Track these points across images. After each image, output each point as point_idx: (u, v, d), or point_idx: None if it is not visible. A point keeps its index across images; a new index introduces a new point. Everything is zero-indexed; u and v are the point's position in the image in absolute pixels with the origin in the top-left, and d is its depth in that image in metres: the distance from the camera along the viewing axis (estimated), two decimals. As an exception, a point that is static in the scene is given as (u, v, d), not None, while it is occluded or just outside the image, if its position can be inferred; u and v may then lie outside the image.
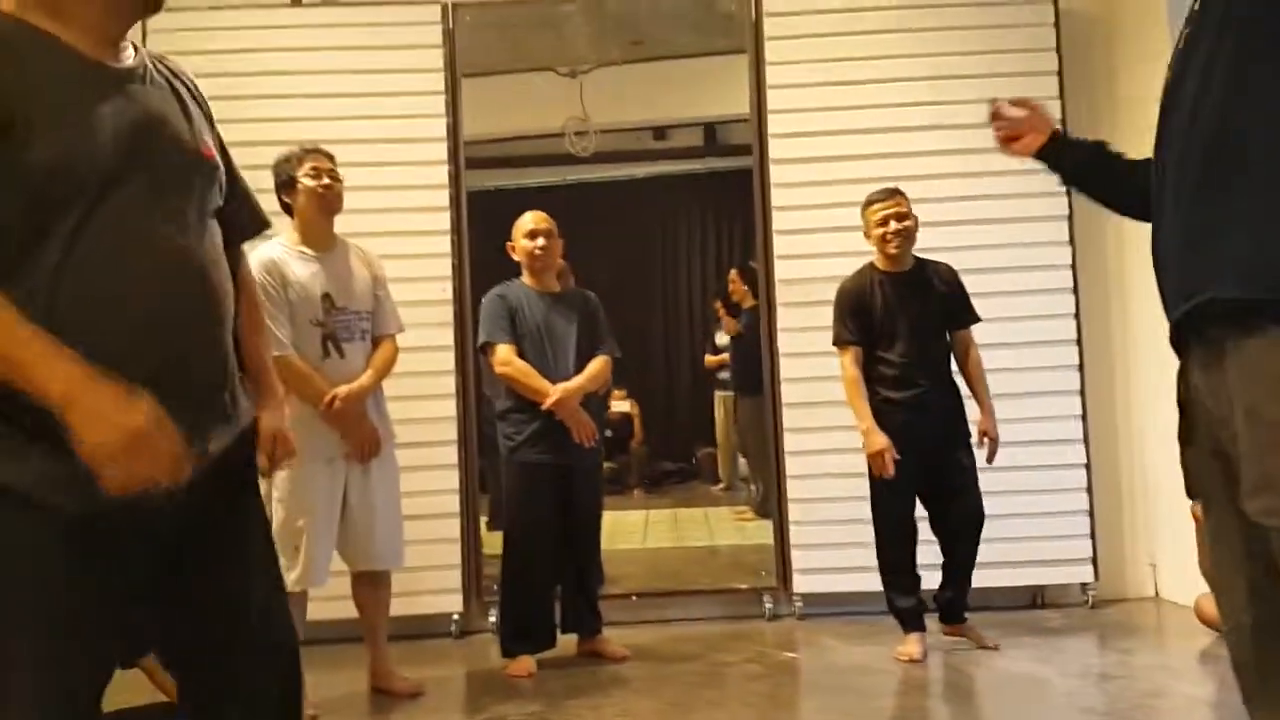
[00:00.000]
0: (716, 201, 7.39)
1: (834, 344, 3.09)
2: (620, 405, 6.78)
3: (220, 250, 1.37)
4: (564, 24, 4.28)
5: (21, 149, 1.15)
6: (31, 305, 1.16)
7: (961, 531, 3.03)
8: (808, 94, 3.67)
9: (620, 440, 6.64)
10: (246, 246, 1.56)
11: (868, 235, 3.09)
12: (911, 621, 3.04)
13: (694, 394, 6.74)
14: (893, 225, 3.00)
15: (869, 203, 3.09)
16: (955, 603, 3.10)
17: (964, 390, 3.11)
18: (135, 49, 1.32)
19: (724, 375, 5.84)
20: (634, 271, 7.47)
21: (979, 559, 3.07)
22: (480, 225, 3.75)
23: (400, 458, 2.92)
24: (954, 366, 3.10)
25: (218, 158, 1.38)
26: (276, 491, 2.56)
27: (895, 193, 3.06)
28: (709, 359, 6.04)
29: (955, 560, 3.05)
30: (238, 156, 2.90)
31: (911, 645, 3.00)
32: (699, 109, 6.01)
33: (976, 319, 3.11)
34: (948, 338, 3.09)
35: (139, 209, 1.22)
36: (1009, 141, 1.57)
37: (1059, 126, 1.59)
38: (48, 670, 1.18)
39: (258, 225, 1.56)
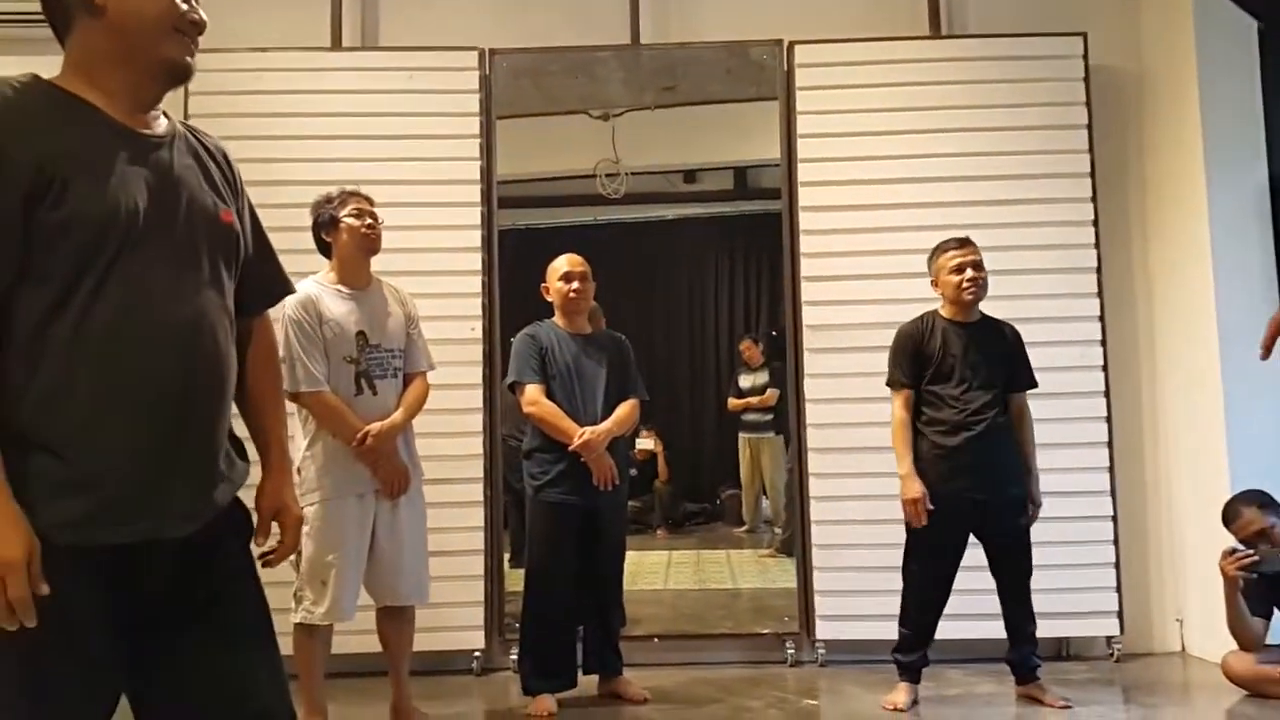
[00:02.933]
0: (745, 244, 7.44)
1: (887, 384, 3.07)
2: (645, 443, 6.79)
3: (231, 315, 1.40)
4: (598, 69, 4.35)
5: (51, 210, 1.21)
6: (47, 364, 1.21)
7: (1009, 593, 3.00)
8: (838, 143, 3.71)
9: (644, 479, 6.64)
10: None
11: (936, 282, 3.08)
12: (908, 672, 3.02)
13: (719, 435, 6.74)
14: (969, 273, 2.99)
15: (942, 250, 3.07)
16: (1020, 662, 3.05)
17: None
18: (167, 117, 1.39)
19: (748, 417, 5.85)
20: (662, 311, 7.51)
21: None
22: (511, 263, 3.81)
23: (426, 494, 2.94)
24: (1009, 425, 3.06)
25: (237, 224, 1.43)
26: (306, 525, 2.59)
27: (968, 242, 3.06)
28: (733, 402, 6.05)
29: (1010, 621, 3.02)
30: (278, 194, 3.00)
31: (899, 694, 2.99)
32: (729, 153, 6.07)
33: (1034, 383, 3.08)
34: (1005, 395, 3.04)
35: (155, 271, 1.27)
36: None
37: None
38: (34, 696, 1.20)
39: (283, 290, 1.60)
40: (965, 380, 2.97)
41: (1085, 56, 3.68)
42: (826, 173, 3.72)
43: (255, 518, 1.52)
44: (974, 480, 2.92)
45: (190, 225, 1.34)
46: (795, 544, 3.75)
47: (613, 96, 5.03)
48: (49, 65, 1.38)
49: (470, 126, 3.70)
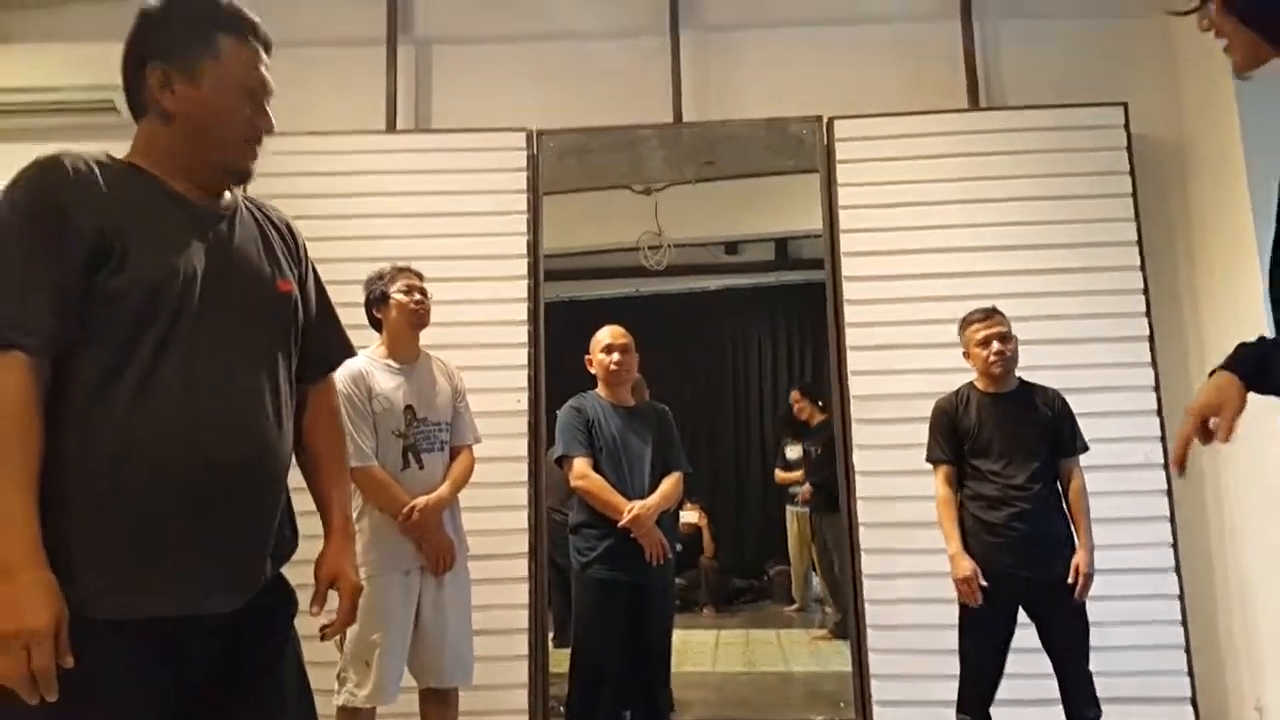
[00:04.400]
0: (787, 313, 7.45)
1: (927, 460, 3.04)
2: (689, 516, 6.71)
3: (290, 383, 1.43)
4: (640, 146, 4.44)
5: (111, 276, 1.24)
6: (99, 428, 1.22)
7: (1068, 676, 2.86)
8: (880, 214, 3.73)
9: (690, 554, 6.55)
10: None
11: (967, 355, 3.05)
12: None
13: (765, 508, 6.65)
14: (995, 346, 2.96)
15: (968, 322, 3.05)
16: None
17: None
18: (231, 191, 1.44)
19: (795, 490, 5.77)
20: (705, 382, 7.51)
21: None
22: (556, 335, 3.85)
23: (472, 570, 2.92)
24: (1060, 494, 2.98)
25: (296, 293, 1.46)
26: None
27: (995, 312, 3.03)
28: (780, 475, 5.98)
29: (1070, 708, 2.87)
30: (335, 271, 3.07)
31: None
32: (770, 224, 6.13)
33: (1083, 448, 2.99)
34: (1053, 464, 2.96)
35: (212, 339, 1.30)
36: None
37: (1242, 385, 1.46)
38: None
39: (342, 354, 1.62)
40: (1005, 454, 2.91)
41: (1127, 126, 3.67)
42: (869, 243, 3.73)
43: (314, 585, 1.51)
44: (1019, 556, 2.84)
45: (247, 295, 1.38)
46: (849, 625, 3.65)
47: (655, 172, 5.12)
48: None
49: (517, 204, 3.78)
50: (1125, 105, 3.68)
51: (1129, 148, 3.66)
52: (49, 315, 1.21)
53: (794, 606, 5.95)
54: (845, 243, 3.75)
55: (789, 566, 6.01)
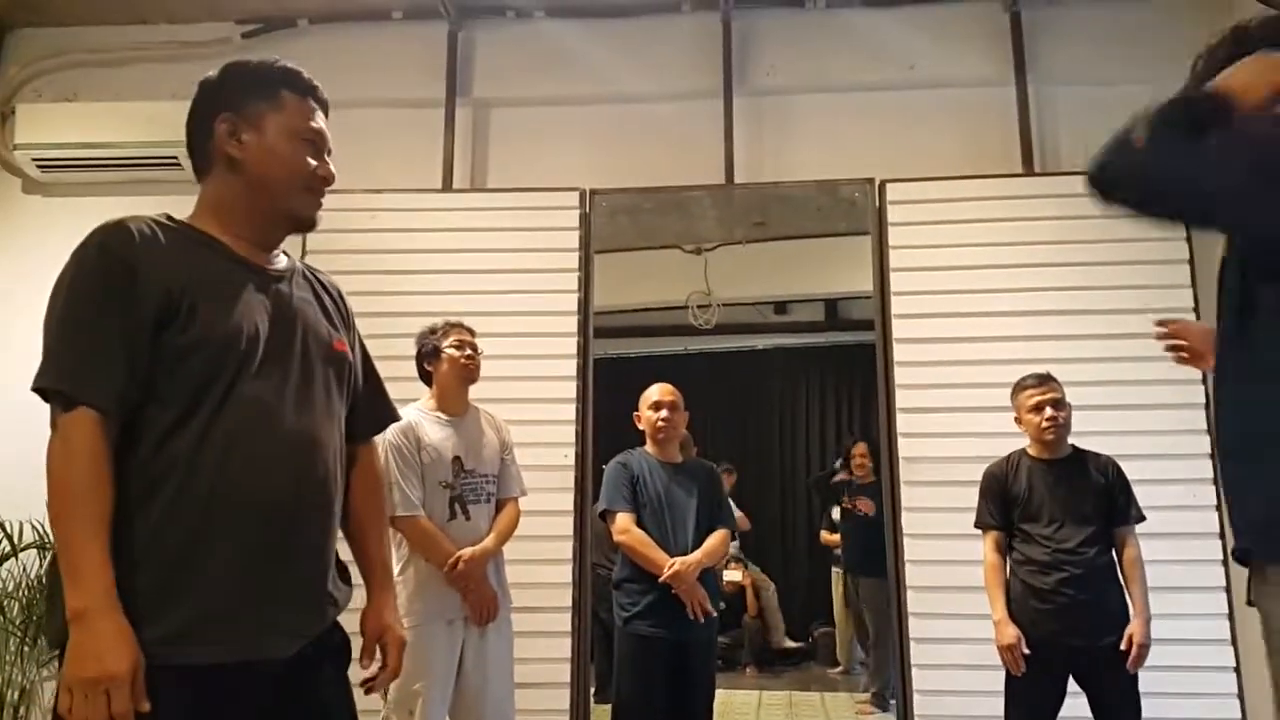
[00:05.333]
0: (836, 374, 7.42)
1: (975, 526, 3.01)
2: (733, 575, 6.64)
3: (342, 438, 1.47)
4: (691, 207, 4.50)
5: (179, 334, 1.29)
6: (165, 480, 1.27)
7: None
8: (931, 277, 3.72)
9: (734, 613, 6.47)
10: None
11: (1019, 420, 3.04)
12: None
13: (811, 569, 6.56)
14: (1048, 412, 2.94)
15: (1021, 388, 3.04)
16: None
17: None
18: (287, 255, 1.50)
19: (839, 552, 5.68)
20: (753, 441, 7.48)
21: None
22: (605, 391, 3.88)
23: (515, 622, 2.93)
24: (1115, 563, 2.91)
25: (350, 352, 1.51)
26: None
27: (1049, 379, 3.01)
28: (825, 536, 5.90)
29: None
30: (390, 325, 3.15)
31: None
32: (820, 285, 6.14)
33: (1139, 517, 2.93)
34: (1108, 532, 2.91)
35: (273, 393, 1.34)
36: (1185, 360, 1.61)
37: None
38: None
39: (389, 418, 1.67)
40: (1056, 519, 2.87)
41: (1185, 191, 3.63)
42: (920, 305, 3.72)
43: (361, 640, 1.54)
44: (1067, 624, 2.78)
45: (306, 351, 1.43)
46: (895, 690, 3.57)
47: (705, 232, 5.18)
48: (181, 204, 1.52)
49: (569, 261, 3.85)
50: (1180, 170, 3.65)
51: (1186, 215, 3.62)
52: (120, 373, 1.26)
53: (839, 669, 5.83)
54: (896, 305, 3.75)
55: (834, 629, 5.90)
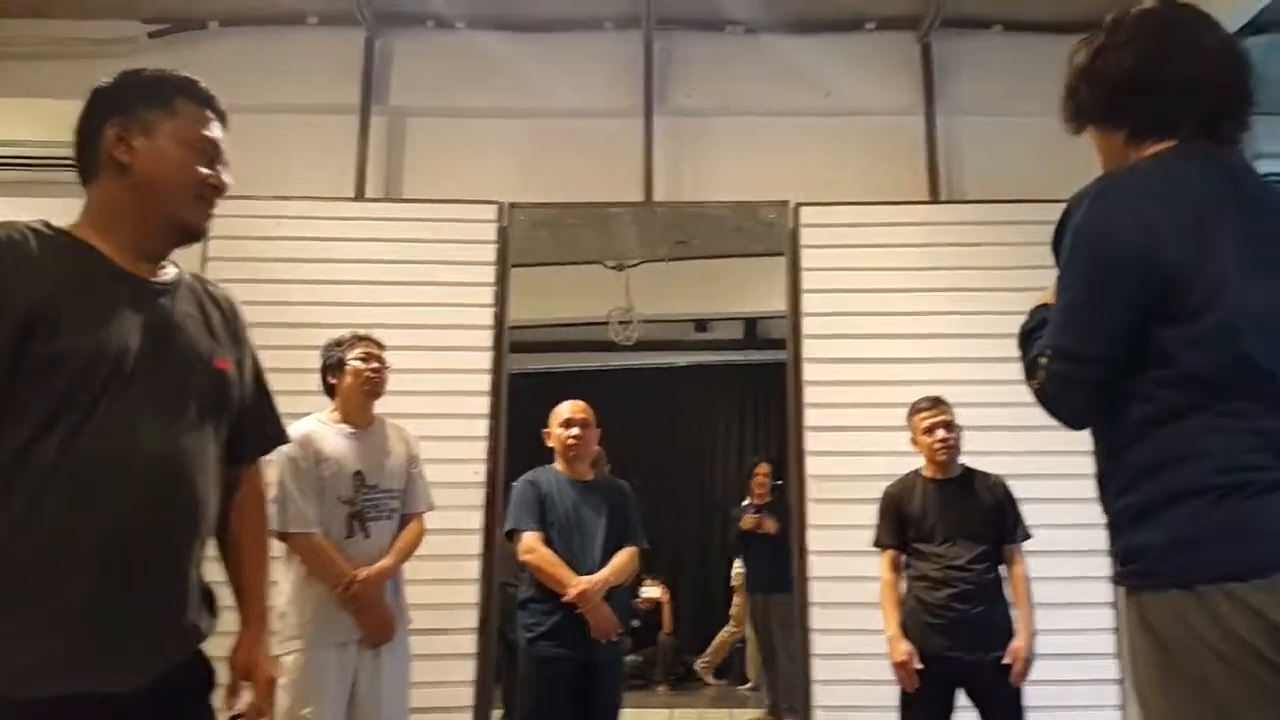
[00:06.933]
0: (755, 392, 7.50)
1: (873, 545, 3.08)
2: (651, 592, 6.65)
3: (215, 461, 1.41)
4: (613, 223, 4.52)
5: (44, 344, 1.24)
6: (17, 496, 1.21)
7: None
8: (842, 298, 3.79)
9: (648, 630, 6.47)
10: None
11: (914, 442, 3.12)
12: None
13: (725, 586, 6.59)
14: (940, 434, 3.03)
15: (915, 410, 3.12)
16: None
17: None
18: (176, 266, 1.45)
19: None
20: (671, 458, 7.51)
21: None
22: (524, 407, 3.85)
23: (415, 644, 2.86)
24: (1003, 579, 3.00)
25: (232, 372, 1.46)
26: (282, 676, 2.49)
27: (940, 401, 3.11)
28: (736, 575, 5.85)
29: None
30: (298, 337, 3.06)
31: None
32: (739, 304, 6.22)
33: (1025, 535, 3.04)
34: (997, 550, 3.00)
35: (139, 412, 1.29)
36: None
37: None
38: None
39: (277, 440, 1.62)
40: (948, 537, 2.96)
41: (1082, 219, 3.77)
42: (831, 326, 3.78)
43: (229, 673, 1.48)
44: (956, 639, 2.86)
45: (182, 370, 1.37)
46: (799, 705, 3.60)
47: (627, 248, 5.21)
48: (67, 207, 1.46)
49: (485, 275, 3.81)
50: (1079, 203, 3.79)
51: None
52: None
53: (749, 685, 5.87)
54: (808, 325, 3.81)
55: (745, 645, 5.94)
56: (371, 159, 4.00)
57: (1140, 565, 1.26)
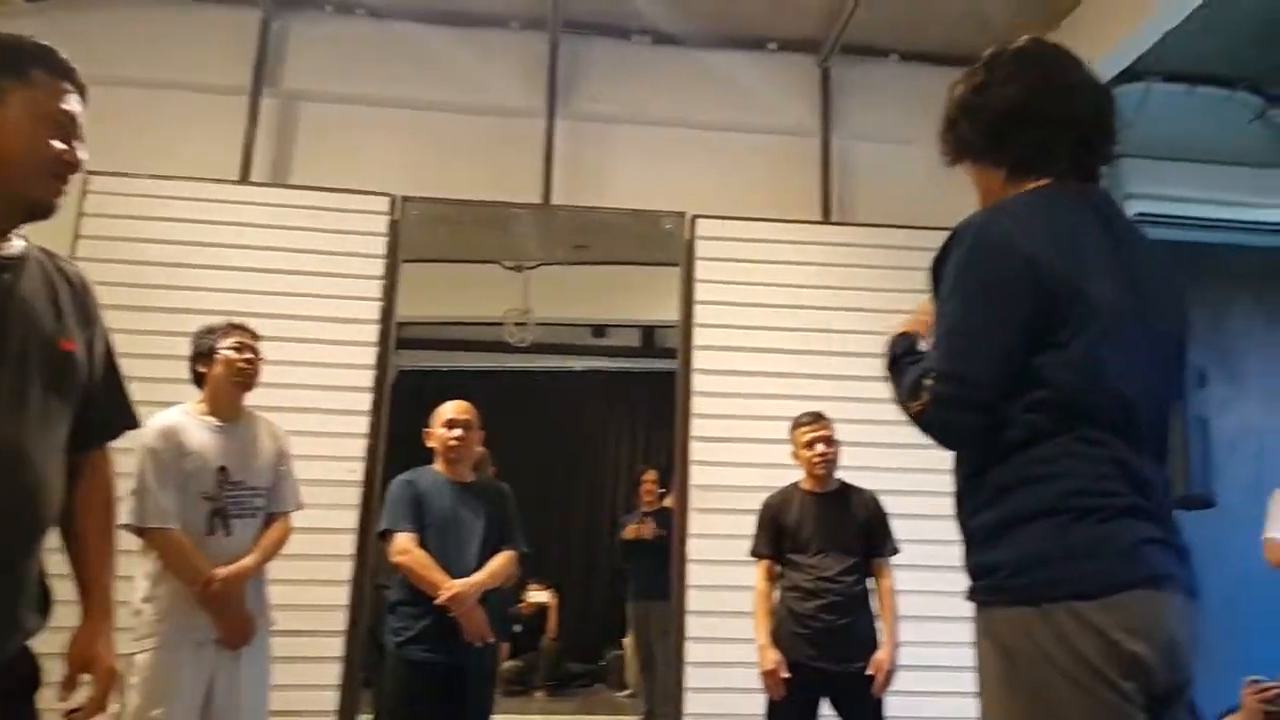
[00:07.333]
0: (650, 400, 7.52)
1: (750, 554, 3.12)
2: (538, 596, 6.60)
3: (59, 446, 1.35)
4: (514, 224, 4.47)
5: None
6: None
7: None
8: (733, 311, 3.85)
9: (531, 634, 6.42)
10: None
11: (795, 455, 3.18)
12: None
13: (611, 592, 6.60)
14: (819, 448, 3.10)
15: (797, 424, 3.18)
16: None
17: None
18: (25, 241, 1.37)
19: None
20: (563, 463, 7.48)
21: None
22: (414, 405, 3.75)
23: (279, 646, 2.77)
24: (872, 592, 3.08)
25: (80, 353, 1.39)
26: (134, 675, 2.40)
27: (820, 417, 3.17)
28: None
29: None
30: (172, 322, 2.94)
31: None
32: (637, 312, 6.24)
33: (894, 550, 3.12)
34: (867, 562, 3.08)
35: None
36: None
37: None
38: None
39: (125, 424, 1.55)
40: (821, 549, 3.03)
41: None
42: (721, 338, 3.83)
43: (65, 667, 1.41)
44: (823, 649, 2.93)
45: (23, 350, 1.30)
46: (671, 713, 3.62)
47: (527, 250, 5.15)
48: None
49: (374, 268, 3.72)
50: (962, 231, 3.93)
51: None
52: None
53: (627, 693, 5.88)
54: (699, 336, 3.85)
55: (626, 651, 5.95)
56: (260, 142, 3.87)
57: (992, 581, 1.30)
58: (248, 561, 2.59)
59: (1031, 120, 1.39)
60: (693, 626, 3.57)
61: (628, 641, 5.80)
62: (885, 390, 4.06)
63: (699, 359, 3.83)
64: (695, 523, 3.66)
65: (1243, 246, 4.42)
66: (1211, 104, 4.41)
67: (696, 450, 3.74)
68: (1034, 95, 1.40)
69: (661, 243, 4.09)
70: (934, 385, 1.31)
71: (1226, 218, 4.27)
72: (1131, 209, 4.14)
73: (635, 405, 7.54)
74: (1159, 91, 4.29)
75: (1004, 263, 1.29)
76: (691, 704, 3.50)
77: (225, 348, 2.74)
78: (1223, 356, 4.34)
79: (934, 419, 1.32)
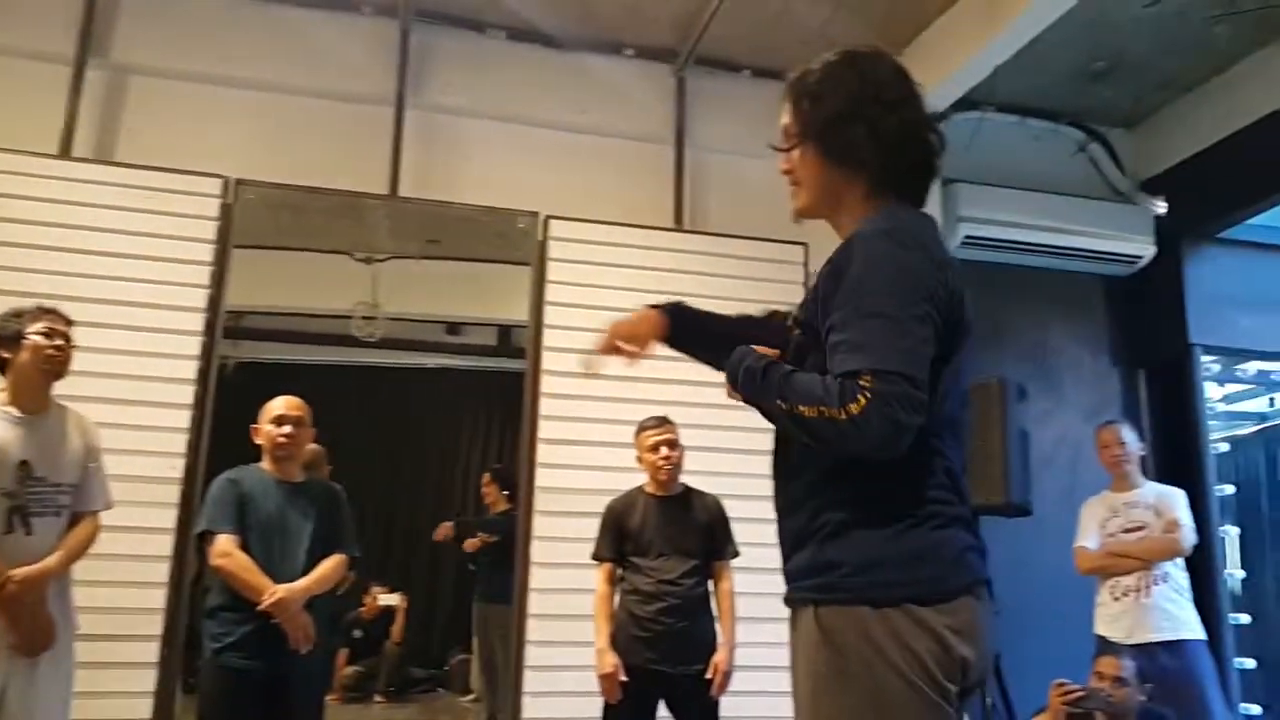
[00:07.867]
0: (504, 400, 7.44)
1: (592, 557, 3.12)
2: (387, 599, 6.42)
3: None
4: (365, 215, 4.33)
5: None
6: None
7: None
8: (584, 314, 3.83)
9: (374, 639, 6.24)
10: None
11: (640, 459, 3.19)
12: None
13: (456, 595, 6.48)
14: (663, 452, 3.12)
15: (642, 429, 3.20)
16: None
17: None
18: None
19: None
20: (411, 462, 7.30)
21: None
22: (251, 399, 3.56)
23: (90, 652, 2.60)
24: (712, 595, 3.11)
25: None
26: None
27: (665, 421, 3.20)
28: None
29: None
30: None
31: None
32: (489, 309, 6.15)
33: (734, 553, 3.17)
34: (707, 565, 3.11)
35: None
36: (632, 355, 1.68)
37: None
38: None
39: None
40: (663, 552, 3.06)
41: (805, 264, 4.06)
42: (571, 340, 3.81)
43: None
44: (661, 651, 2.96)
45: None
46: (509, 717, 3.59)
47: (377, 242, 5.00)
48: None
49: (203, 253, 3.52)
50: (806, 246, 4.06)
51: (806, 284, 4.04)
52: None
53: (471, 698, 5.79)
54: (549, 337, 3.83)
55: (471, 655, 5.86)
56: (83, 116, 3.62)
57: (829, 579, 1.33)
58: (49, 562, 2.43)
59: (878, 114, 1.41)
60: (533, 630, 3.54)
61: (474, 645, 5.71)
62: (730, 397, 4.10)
63: (548, 360, 3.81)
64: (540, 525, 3.64)
65: (1062, 271, 4.74)
66: (1040, 135, 4.72)
67: (544, 453, 3.72)
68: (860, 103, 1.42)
69: (515, 241, 4.05)
70: (876, 385, 1.21)
71: (1047, 243, 4.57)
72: (960, 232, 4.37)
73: (490, 405, 7.43)
74: (993, 120, 4.55)
75: (923, 270, 1.30)
76: (529, 708, 3.48)
77: (34, 332, 2.55)
78: (1043, 372, 4.64)
79: (882, 420, 1.20)
